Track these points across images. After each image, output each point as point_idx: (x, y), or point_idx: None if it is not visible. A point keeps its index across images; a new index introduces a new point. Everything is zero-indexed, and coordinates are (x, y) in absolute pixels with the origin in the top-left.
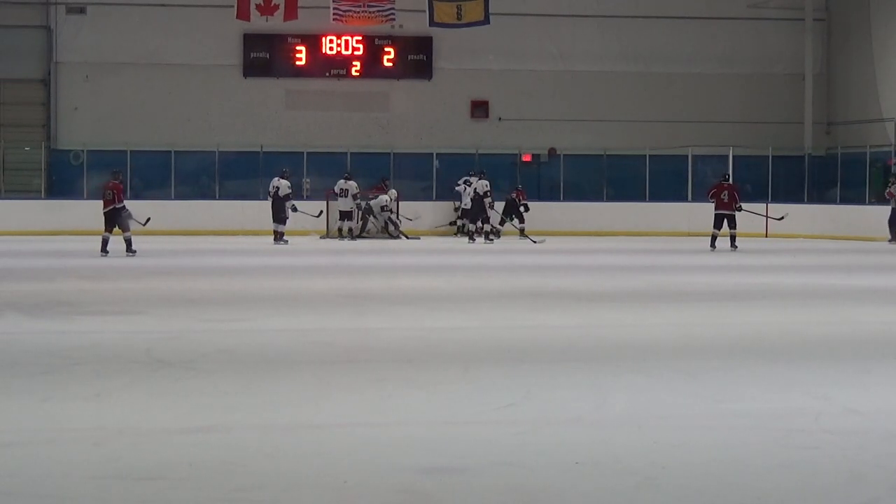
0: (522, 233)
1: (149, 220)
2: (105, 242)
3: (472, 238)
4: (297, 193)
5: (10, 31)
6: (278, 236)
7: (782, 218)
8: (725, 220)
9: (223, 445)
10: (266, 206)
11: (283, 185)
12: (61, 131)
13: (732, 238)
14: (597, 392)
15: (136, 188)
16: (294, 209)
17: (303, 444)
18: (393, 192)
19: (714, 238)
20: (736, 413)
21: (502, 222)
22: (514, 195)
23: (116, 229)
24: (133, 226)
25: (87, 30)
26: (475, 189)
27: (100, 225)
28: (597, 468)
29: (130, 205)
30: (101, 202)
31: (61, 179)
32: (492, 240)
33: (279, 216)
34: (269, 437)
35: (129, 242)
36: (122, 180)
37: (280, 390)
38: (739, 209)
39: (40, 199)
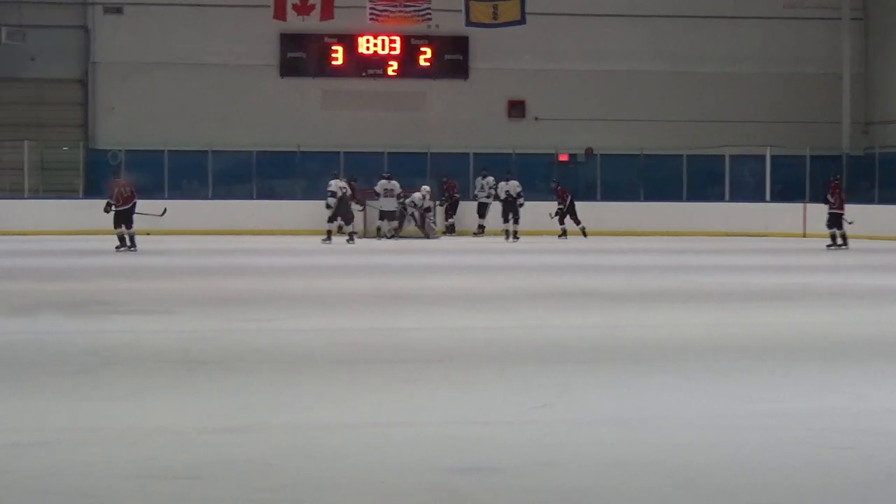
0: (584, 232)
1: (165, 210)
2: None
3: (508, 237)
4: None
5: (49, 32)
6: (351, 237)
7: (851, 223)
8: (835, 218)
9: (259, 445)
10: (303, 206)
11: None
12: (99, 131)
13: (843, 237)
14: (632, 392)
15: (173, 188)
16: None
17: (338, 443)
18: (426, 188)
19: (835, 237)
20: (771, 413)
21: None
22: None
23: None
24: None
25: (125, 30)
26: (507, 190)
27: (138, 224)
28: (633, 469)
29: (167, 204)
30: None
31: (99, 179)
32: (518, 238)
33: (348, 216)
34: (305, 437)
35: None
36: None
37: (315, 390)
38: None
39: (78, 198)
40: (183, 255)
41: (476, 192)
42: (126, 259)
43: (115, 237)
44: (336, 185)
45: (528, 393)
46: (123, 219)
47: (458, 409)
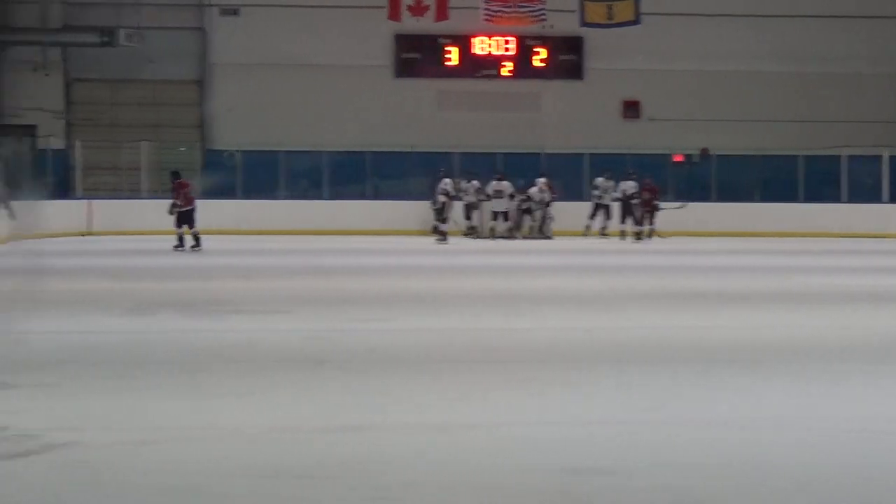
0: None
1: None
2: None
3: (624, 237)
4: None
5: (166, 34)
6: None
7: None
8: None
9: (373, 444)
10: (417, 207)
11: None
12: (215, 132)
13: None
14: (747, 394)
15: (289, 188)
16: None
17: (453, 443)
18: (541, 180)
19: None
20: (885, 417)
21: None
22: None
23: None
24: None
25: (241, 31)
26: (624, 190)
27: (251, 224)
28: (751, 470)
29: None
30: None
31: (216, 179)
32: (641, 239)
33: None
34: (419, 437)
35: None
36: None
37: (430, 390)
38: None
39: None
40: (299, 255)
41: (598, 193)
42: (243, 259)
43: (186, 237)
44: (448, 185)
45: (643, 393)
46: (187, 219)
47: (573, 409)
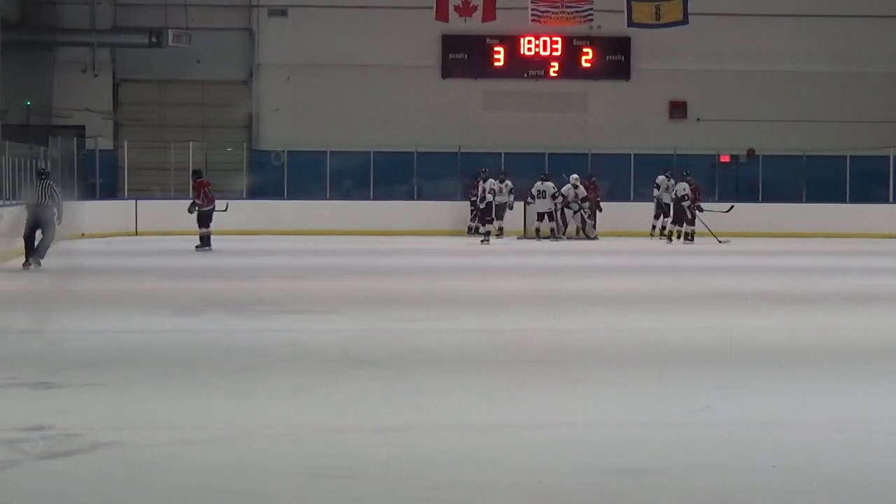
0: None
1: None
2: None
3: (669, 238)
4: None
5: (215, 34)
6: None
7: None
8: None
9: (418, 445)
10: (464, 207)
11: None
12: (263, 132)
13: None
14: (794, 395)
15: (336, 188)
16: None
17: (497, 444)
18: (574, 177)
19: None
20: None
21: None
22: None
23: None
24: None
25: (289, 32)
26: (675, 191)
27: (298, 224)
28: (794, 472)
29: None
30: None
31: (262, 179)
32: (691, 240)
33: (488, 218)
34: (464, 437)
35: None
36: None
37: (475, 390)
38: None
39: (242, 199)
40: (344, 255)
41: (658, 192)
42: (289, 259)
43: (200, 238)
44: (492, 185)
45: (690, 394)
46: (209, 219)
47: (619, 410)
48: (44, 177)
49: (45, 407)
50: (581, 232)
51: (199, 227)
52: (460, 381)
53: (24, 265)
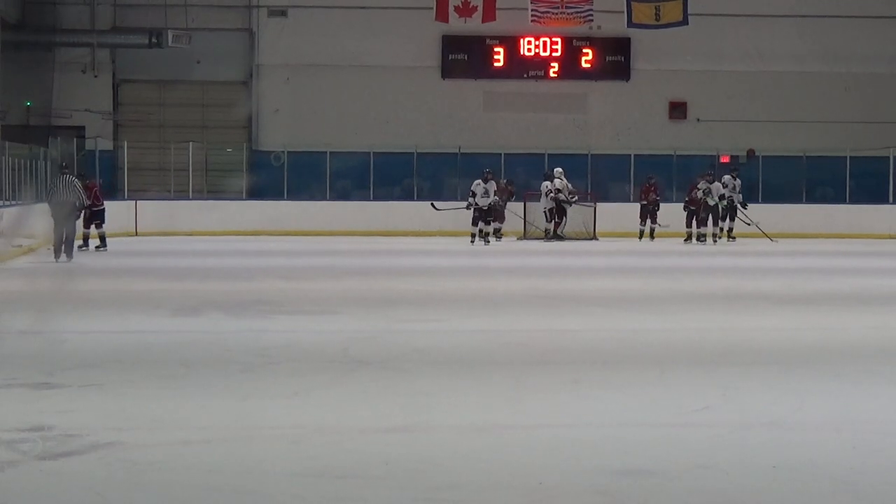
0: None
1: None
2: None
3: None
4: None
5: (214, 35)
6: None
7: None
8: None
9: (419, 445)
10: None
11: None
12: (262, 133)
13: None
14: (794, 395)
15: (336, 189)
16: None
17: (497, 444)
18: (558, 170)
19: None
20: None
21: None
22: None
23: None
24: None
25: (288, 32)
26: (715, 192)
27: (301, 225)
28: (794, 472)
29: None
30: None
31: (262, 180)
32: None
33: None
34: (464, 438)
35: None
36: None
37: (475, 391)
38: None
39: (242, 199)
40: (344, 256)
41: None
42: (288, 260)
43: (92, 239)
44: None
45: (690, 395)
46: (100, 218)
47: (619, 410)
48: (65, 171)
49: (44, 407)
50: (584, 230)
51: (86, 227)
52: (461, 381)
53: (57, 258)
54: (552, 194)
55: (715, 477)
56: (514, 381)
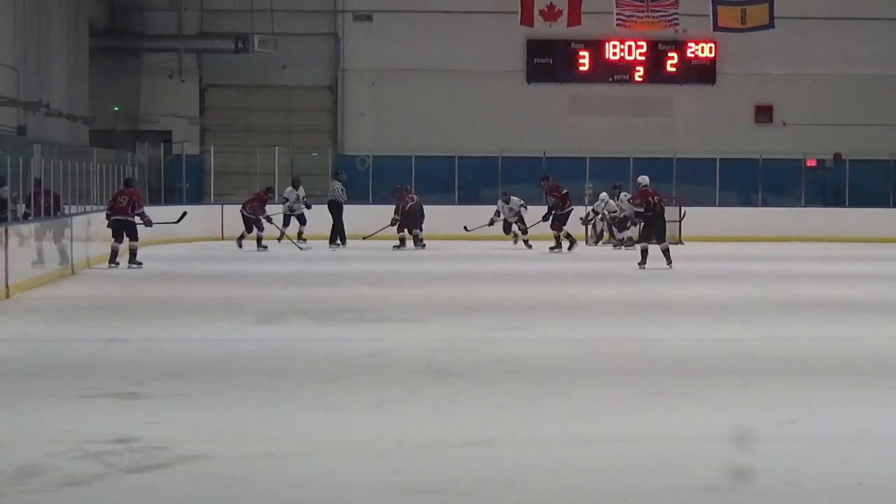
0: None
1: (184, 214)
2: (114, 253)
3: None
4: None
5: (301, 40)
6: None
7: None
8: None
9: (502, 459)
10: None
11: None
12: (348, 137)
13: None
14: (882, 408)
15: (421, 193)
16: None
17: (582, 458)
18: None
19: None
20: None
21: None
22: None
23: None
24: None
25: (374, 37)
26: None
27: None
28: (881, 490)
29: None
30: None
31: (348, 184)
32: None
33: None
34: (549, 452)
35: (134, 253)
36: (137, 187)
37: (559, 403)
38: None
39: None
40: (431, 262)
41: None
42: (374, 265)
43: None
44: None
45: (775, 408)
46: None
47: (703, 425)
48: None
49: (131, 418)
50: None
51: (133, 239)
52: (543, 393)
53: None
54: (592, 216)
55: (800, 494)
56: (598, 392)
